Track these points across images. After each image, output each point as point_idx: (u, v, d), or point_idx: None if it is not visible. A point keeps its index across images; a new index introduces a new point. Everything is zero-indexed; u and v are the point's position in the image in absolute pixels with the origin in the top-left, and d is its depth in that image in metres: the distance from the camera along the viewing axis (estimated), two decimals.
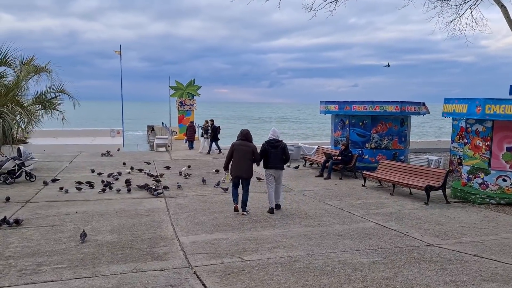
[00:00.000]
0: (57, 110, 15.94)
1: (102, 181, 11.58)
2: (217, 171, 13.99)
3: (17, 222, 7.52)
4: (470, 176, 10.68)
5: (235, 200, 8.92)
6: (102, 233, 7.21)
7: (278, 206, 9.05)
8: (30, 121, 13.84)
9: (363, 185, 12.15)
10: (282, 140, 9.01)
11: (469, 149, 10.75)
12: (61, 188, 10.69)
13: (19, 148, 12.21)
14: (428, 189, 10.02)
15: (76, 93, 16.47)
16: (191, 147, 20.94)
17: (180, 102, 26.33)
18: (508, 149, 10.05)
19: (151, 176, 12.94)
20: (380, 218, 8.53)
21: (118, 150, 20.83)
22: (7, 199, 9.50)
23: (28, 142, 14.70)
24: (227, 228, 7.61)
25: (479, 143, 10.47)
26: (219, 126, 19.98)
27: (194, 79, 26.83)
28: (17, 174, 11.75)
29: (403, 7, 17.90)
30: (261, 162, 8.97)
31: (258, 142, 10.21)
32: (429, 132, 61.67)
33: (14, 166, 11.73)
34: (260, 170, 9.85)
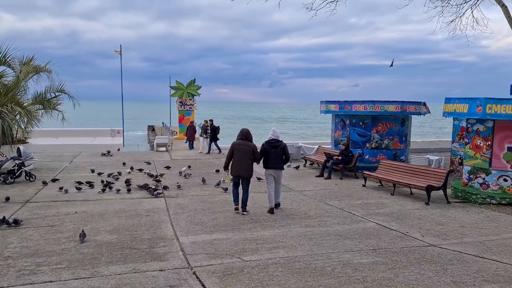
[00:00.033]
0: (57, 110, 15.92)
1: (102, 181, 11.56)
2: (217, 171, 13.97)
3: (16, 222, 7.50)
4: (471, 176, 10.64)
5: (236, 201, 8.93)
6: (102, 233, 7.19)
7: (277, 205, 9.05)
8: (30, 121, 13.82)
9: (364, 185, 12.12)
10: (282, 140, 8.99)
11: (470, 149, 10.72)
12: (61, 188, 10.66)
13: (18, 148, 12.19)
14: (429, 189, 9.99)
15: (76, 93, 16.46)
16: (191, 147, 20.93)
17: (180, 102, 26.31)
18: (509, 149, 10.02)
19: (151, 176, 12.92)
20: (381, 218, 8.50)
21: (118, 150, 20.82)
22: (7, 199, 9.47)
23: (28, 142, 14.67)
24: (227, 228, 7.58)
25: (480, 143, 10.44)
26: (219, 126, 19.95)
27: (195, 79, 26.82)
28: (16, 174, 11.73)
29: (404, 6, 17.88)
30: (261, 162, 8.96)
31: (258, 142, 10.18)
32: (430, 132, 61.63)
33: (14, 166, 11.71)
34: (260, 170, 9.83)
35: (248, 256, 6.11)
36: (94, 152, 19.17)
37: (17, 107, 12.95)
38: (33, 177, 11.96)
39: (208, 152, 19.11)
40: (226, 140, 26.15)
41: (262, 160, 8.89)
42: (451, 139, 15.47)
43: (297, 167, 15.35)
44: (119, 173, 12.95)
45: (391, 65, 22.34)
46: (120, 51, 25.75)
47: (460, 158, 13.99)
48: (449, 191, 10.75)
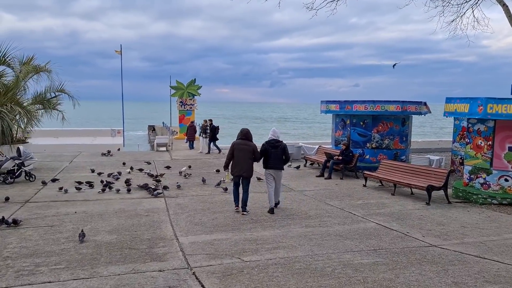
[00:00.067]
0: (57, 109, 15.90)
1: (102, 181, 11.53)
2: (217, 171, 13.94)
3: (15, 222, 7.47)
4: (472, 176, 10.61)
5: (236, 201, 8.94)
6: (101, 233, 7.16)
7: (277, 204, 9.06)
8: (29, 120, 13.80)
9: (364, 185, 12.09)
10: (282, 141, 8.99)
11: (470, 149, 10.68)
12: (61, 188, 10.64)
13: (18, 148, 12.17)
14: (430, 189, 9.95)
15: (77, 93, 16.45)
16: (191, 147, 20.90)
17: (180, 102, 26.29)
18: (510, 148, 9.98)
19: (151, 176, 12.89)
20: (381, 219, 8.47)
21: (119, 150, 20.80)
22: (7, 199, 9.45)
23: (28, 142, 14.65)
24: (227, 229, 7.56)
25: (481, 142, 10.40)
26: (218, 126, 19.91)
27: (195, 79, 26.82)
28: (16, 174, 11.71)
29: (404, 6, 17.87)
30: (261, 162, 8.96)
31: (259, 142, 10.16)
32: (430, 132, 61.57)
33: (14, 166, 11.69)
34: (260, 170, 9.81)
35: (248, 257, 6.08)
36: (94, 152, 19.15)
37: (16, 107, 12.92)
38: (33, 177, 11.94)
39: (208, 152, 19.08)
40: (227, 140, 26.11)
41: (262, 160, 8.88)
42: (451, 139, 15.43)
43: (297, 167, 15.32)
44: (119, 173, 12.93)
45: (394, 66, 22.33)
46: (121, 51, 25.73)
47: (461, 158, 13.95)
48: (450, 191, 10.72)
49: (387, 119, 14.37)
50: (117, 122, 45.22)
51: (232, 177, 8.97)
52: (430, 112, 15.46)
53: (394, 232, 7.56)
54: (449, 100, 10.89)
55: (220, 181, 11.65)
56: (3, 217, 7.53)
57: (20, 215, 8.18)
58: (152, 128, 40.58)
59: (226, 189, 10.87)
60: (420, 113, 14.70)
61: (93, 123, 63.50)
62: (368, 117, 14.31)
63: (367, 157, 14.45)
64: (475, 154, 10.55)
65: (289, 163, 15.53)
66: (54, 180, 11.79)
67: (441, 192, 10.28)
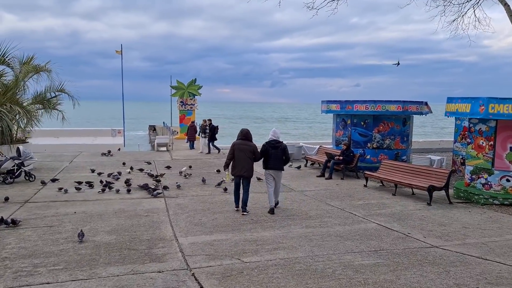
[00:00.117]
0: (57, 109, 15.87)
1: (101, 181, 11.49)
2: (218, 171, 13.90)
3: (14, 222, 7.44)
4: (473, 176, 10.55)
5: (237, 202, 8.95)
6: (100, 233, 7.12)
7: (276, 204, 9.03)
8: (29, 120, 13.76)
9: (365, 185, 12.04)
10: (282, 141, 8.98)
11: (472, 149, 10.63)
12: (60, 189, 10.60)
13: (18, 148, 12.14)
14: (431, 189, 9.90)
15: (77, 93, 16.42)
16: (192, 147, 20.86)
17: (181, 102, 26.26)
18: None
19: (151, 176, 12.86)
20: (382, 219, 8.42)
21: (119, 150, 20.76)
22: (6, 199, 9.42)
23: (27, 142, 14.62)
24: (227, 229, 7.51)
25: (483, 143, 10.35)
26: (217, 126, 19.86)
27: (195, 79, 26.78)
28: (16, 174, 11.68)
29: (405, 6, 17.80)
30: (261, 162, 8.94)
31: (260, 142, 10.12)
32: (431, 132, 61.48)
33: (13, 166, 11.66)
34: (260, 170, 9.77)
35: (248, 258, 6.04)
36: (95, 152, 19.12)
37: (16, 107, 12.88)
38: (33, 177, 11.91)
39: (209, 152, 19.04)
40: (227, 140, 26.05)
41: (262, 160, 8.87)
42: (453, 139, 15.37)
43: (298, 167, 15.28)
44: (119, 173, 12.90)
45: (397, 64, 22.32)
46: (121, 51, 25.71)
47: (462, 158, 13.89)
48: (451, 191, 10.66)
49: (388, 119, 14.32)
50: (117, 122, 45.19)
51: (232, 177, 8.96)
52: (431, 112, 15.41)
53: (395, 232, 7.51)
54: (450, 100, 10.84)
55: (221, 181, 11.61)
56: (2, 217, 7.50)
57: (19, 215, 8.15)
58: (152, 128, 40.56)
59: (226, 189, 10.83)
60: (421, 113, 14.64)
61: (93, 123, 63.49)
62: (369, 117, 14.26)
63: (368, 157, 14.40)
64: (476, 154, 10.50)
65: (290, 163, 15.50)
66: (54, 180, 11.75)
67: (442, 192, 10.23)
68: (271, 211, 8.68)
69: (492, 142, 10.14)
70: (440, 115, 16.83)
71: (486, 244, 6.94)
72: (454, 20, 17.38)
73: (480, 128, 10.41)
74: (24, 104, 14.42)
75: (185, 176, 13.04)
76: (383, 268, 5.70)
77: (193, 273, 5.44)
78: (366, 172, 12.32)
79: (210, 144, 19.26)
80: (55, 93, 15.89)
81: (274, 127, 10.49)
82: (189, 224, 7.81)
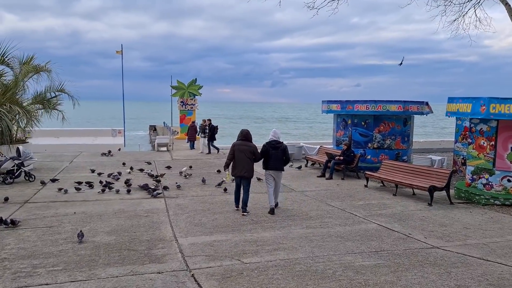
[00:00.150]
0: (57, 109, 15.84)
1: (100, 182, 11.46)
2: (218, 171, 13.87)
3: (14, 223, 7.41)
4: (474, 176, 10.52)
5: (237, 202, 8.95)
6: (100, 234, 7.10)
7: (276, 205, 9.00)
8: (29, 120, 13.74)
9: (366, 186, 12.01)
10: (283, 142, 8.97)
11: (473, 149, 10.59)
12: (60, 189, 10.58)
13: (18, 148, 12.12)
14: (432, 189, 9.87)
15: (78, 93, 16.40)
16: (192, 147, 20.83)
17: (181, 102, 26.24)
18: None
19: (152, 176, 12.83)
20: (383, 219, 8.39)
21: (119, 150, 20.74)
22: (6, 199, 9.40)
23: (27, 142, 14.60)
24: (227, 230, 7.49)
25: (484, 143, 10.31)
26: (217, 126, 19.83)
27: (196, 79, 26.76)
28: (16, 174, 11.66)
29: (406, 5, 17.75)
30: (261, 163, 8.93)
31: (260, 142, 10.08)
32: (432, 132, 61.41)
33: (13, 166, 11.64)
34: (261, 171, 9.74)
35: (248, 258, 6.01)
36: (95, 152, 19.09)
37: (15, 107, 12.86)
38: (33, 177, 11.89)
39: (209, 152, 19.01)
40: (228, 140, 26.01)
41: (262, 160, 8.85)
42: (453, 139, 15.33)
43: (299, 167, 15.25)
44: (119, 173, 12.87)
45: (401, 64, 22.24)
46: (121, 51, 25.68)
47: (463, 158, 13.86)
48: (452, 191, 10.63)
49: (388, 119, 14.28)
50: (118, 122, 45.20)
51: (233, 177, 8.95)
52: (432, 112, 15.37)
53: (396, 233, 7.48)
54: (451, 100, 10.80)
55: (221, 181, 11.58)
56: (1, 218, 7.47)
57: (19, 216, 8.12)
58: (153, 128, 40.55)
59: (226, 190, 10.81)
60: (422, 113, 14.60)
61: (94, 123, 63.49)
62: (369, 117, 14.23)
63: (369, 157, 14.36)
64: (477, 155, 10.46)
65: (291, 163, 15.48)
66: (53, 181, 11.73)
67: (443, 192, 10.20)
68: (271, 211, 8.65)
69: (493, 142, 10.10)
70: (441, 115, 16.79)
71: (487, 245, 6.90)
72: (455, 20, 17.36)
73: (481, 128, 10.38)
74: (24, 104, 14.40)
75: (185, 176, 13.01)
76: (383, 269, 5.66)
77: (192, 274, 5.41)
78: (367, 172, 12.29)
79: (210, 144, 19.24)
80: (55, 93, 15.87)
81: (274, 127, 10.47)
82: (189, 224, 7.79)
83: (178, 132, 26.35)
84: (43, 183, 11.46)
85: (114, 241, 6.71)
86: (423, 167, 11.76)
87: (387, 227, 7.87)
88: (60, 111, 15.97)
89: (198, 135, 20.68)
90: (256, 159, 8.69)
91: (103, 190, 10.64)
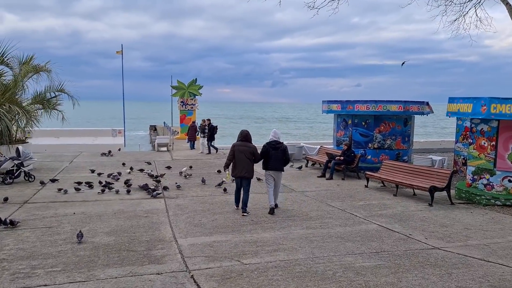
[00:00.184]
0: (57, 110, 15.82)
1: (100, 182, 11.44)
2: (218, 171, 13.84)
3: (13, 223, 7.39)
4: (475, 176, 10.48)
5: (237, 202, 8.97)
6: (99, 235, 7.07)
7: (275, 205, 8.97)
8: (28, 121, 13.72)
9: (366, 186, 11.98)
10: (283, 142, 8.97)
11: (474, 149, 10.56)
12: (60, 189, 10.55)
13: (17, 148, 12.10)
14: (432, 190, 9.84)
15: (78, 93, 16.38)
16: (192, 147, 20.81)
17: (181, 102, 26.21)
18: None
19: (152, 176, 12.80)
20: (383, 220, 8.36)
21: (119, 150, 20.72)
22: (5, 199, 9.38)
23: (27, 142, 14.58)
24: (227, 230, 7.46)
25: (484, 143, 10.27)
26: (216, 126, 19.80)
27: (196, 79, 26.74)
28: (15, 174, 11.64)
29: (407, 5, 17.71)
30: (261, 163, 8.92)
31: (260, 142, 10.04)
32: (433, 132, 61.35)
33: (13, 166, 11.62)
34: (261, 171, 9.72)
35: (247, 259, 5.98)
36: (95, 152, 19.07)
37: (15, 107, 12.83)
38: (32, 177, 11.87)
39: (209, 152, 18.99)
40: (228, 140, 25.97)
41: (262, 161, 8.84)
42: (454, 139, 15.30)
43: (299, 167, 15.22)
44: (119, 174, 12.85)
45: (403, 64, 22.23)
46: (121, 51, 25.65)
47: (463, 158, 13.83)
48: (452, 192, 10.58)
49: (389, 119, 14.25)
50: (118, 122, 45.19)
51: (233, 178, 8.95)
52: (433, 112, 15.34)
53: (396, 234, 7.45)
54: (452, 100, 10.77)
55: (221, 181, 11.56)
56: (0, 218, 7.44)
57: (18, 216, 8.10)
58: (153, 128, 40.55)
59: (225, 190, 10.78)
60: (422, 113, 14.57)
61: (94, 123, 63.48)
62: (370, 117, 14.20)
63: (369, 157, 14.33)
64: (478, 155, 10.43)
65: (291, 164, 15.47)
66: (53, 181, 11.70)
67: (444, 193, 10.16)
68: (271, 211, 8.64)
69: (494, 143, 10.06)
70: (441, 115, 16.76)
71: (488, 246, 6.87)
72: (455, 20, 17.32)
73: (482, 128, 10.34)
74: (24, 104, 14.38)
75: (185, 176, 12.98)
76: (384, 270, 5.63)
77: (192, 275, 5.38)
78: (367, 172, 12.25)
79: (209, 144, 19.21)
80: (54, 93, 15.84)
81: (274, 127, 10.45)
82: (188, 225, 7.76)
83: (178, 132, 26.33)
84: (42, 183, 11.45)
85: (114, 242, 6.68)
86: (424, 167, 11.73)
87: (387, 227, 7.83)
88: (60, 111, 15.94)
89: (197, 135, 20.65)
90: (255, 159, 8.69)
91: (102, 191, 10.62)
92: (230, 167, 8.83)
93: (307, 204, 9.70)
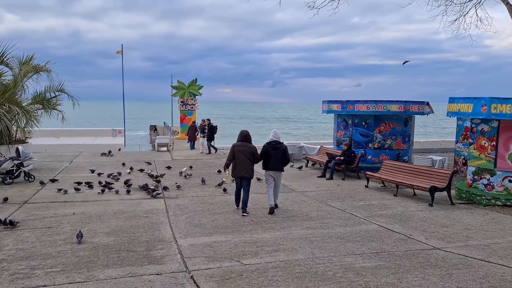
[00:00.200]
0: (57, 110, 15.81)
1: (100, 182, 11.42)
2: (219, 171, 13.83)
3: (12, 223, 7.37)
4: (476, 177, 10.46)
5: (237, 202, 8.98)
6: (99, 235, 7.06)
7: (275, 206, 8.96)
8: (28, 121, 13.70)
9: (366, 186, 11.96)
10: (283, 142, 8.97)
11: (474, 149, 10.54)
12: (60, 189, 10.54)
13: (17, 148, 12.09)
14: (433, 190, 9.82)
15: (78, 93, 16.37)
16: (192, 147, 20.80)
17: (182, 102, 26.20)
18: None
19: (152, 176, 12.79)
20: (384, 220, 8.34)
21: (119, 150, 20.71)
22: (5, 199, 9.37)
23: (27, 142, 14.57)
24: (227, 230, 7.44)
25: (485, 143, 10.26)
26: (216, 126, 19.79)
27: (196, 79, 26.73)
28: (15, 175, 11.63)
29: (407, 5, 17.69)
30: (261, 163, 8.92)
31: (261, 142, 10.02)
32: (433, 132, 61.32)
33: (13, 166, 11.61)
34: (261, 171, 9.71)
35: (247, 260, 5.97)
36: (95, 152, 19.06)
37: (15, 107, 12.82)
38: (32, 177, 11.86)
39: (209, 152, 18.98)
40: (228, 140, 25.95)
41: (262, 161, 8.84)
42: (454, 139, 15.28)
43: (300, 167, 15.21)
44: (119, 174, 12.84)
45: (404, 63, 22.22)
46: (121, 51, 25.64)
47: (464, 158, 13.80)
48: (453, 192, 10.56)
49: (389, 119, 14.23)
50: (118, 122, 45.17)
51: (232, 178, 8.95)
52: (433, 112, 15.32)
53: (397, 234, 7.43)
54: (452, 100, 10.75)
55: (221, 182, 11.55)
56: None
57: (18, 216, 8.09)
58: (153, 128, 40.54)
59: (225, 190, 10.77)
60: (422, 113, 14.55)
61: (94, 123, 63.45)
62: (370, 117, 14.18)
63: (369, 157, 14.31)
64: (478, 155, 10.41)
65: (292, 163, 15.46)
66: (53, 181, 11.69)
67: (444, 193, 10.14)
68: (271, 211, 8.63)
69: (494, 143, 10.05)
70: (441, 115, 16.74)
71: (488, 246, 6.85)
72: (455, 20, 17.29)
73: (482, 129, 10.33)
74: (24, 104, 14.36)
75: (185, 176, 12.97)
76: (384, 271, 5.62)
77: (191, 276, 5.37)
78: (367, 172, 12.24)
79: (209, 144, 19.20)
80: (54, 93, 15.83)
81: (275, 127, 10.45)
82: (188, 225, 7.74)
83: (178, 132, 26.32)
84: (42, 183, 11.43)
85: (113, 242, 6.67)
86: (424, 167, 11.72)
87: (388, 228, 7.82)
88: (60, 111, 15.93)
89: (197, 135, 20.64)
90: (255, 160, 8.69)
91: (102, 191, 10.60)
92: (230, 167, 8.83)
93: (307, 204, 9.68)
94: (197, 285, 5.09)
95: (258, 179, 11.88)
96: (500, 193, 9.98)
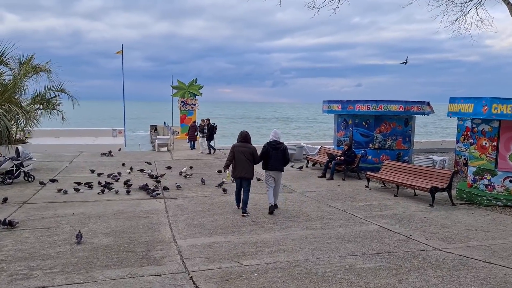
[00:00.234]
0: (57, 110, 15.79)
1: (99, 182, 11.40)
2: (219, 171, 13.81)
3: (11, 224, 7.35)
4: (476, 177, 10.44)
5: (238, 201, 8.97)
6: (99, 235, 7.04)
7: (275, 206, 8.94)
8: (28, 121, 13.68)
9: (367, 186, 11.93)
10: (283, 143, 8.95)
11: (475, 149, 10.51)
12: (60, 190, 10.52)
13: (17, 148, 12.07)
14: (433, 190, 9.79)
15: (78, 93, 16.36)
16: (192, 147, 20.78)
17: (182, 102, 26.18)
18: None
19: (152, 176, 12.77)
20: (384, 221, 8.31)
21: (119, 150, 20.69)
22: (5, 200, 9.35)
23: (27, 142, 14.55)
24: (227, 231, 7.42)
25: (486, 143, 10.23)
26: (216, 126, 19.77)
27: (196, 79, 26.71)
28: (15, 175, 11.61)
29: (407, 5, 17.67)
30: (261, 163, 8.90)
31: (261, 142, 9.98)
32: (433, 132, 61.26)
33: (12, 166, 11.59)
34: (261, 171, 9.69)
35: (247, 260, 5.94)
36: (95, 152, 19.04)
37: (14, 107, 12.80)
38: (32, 177, 11.84)
39: (209, 152, 18.96)
40: (228, 140, 25.92)
41: (262, 161, 8.82)
42: (455, 139, 15.25)
43: (300, 168, 15.18)
44: (119, 174, 12.82)
45: (405, 63, 22.17)
46: (122, 51, 25.62)
47: (464, 158, 13.77)
48: (453, 192, 10.54)
49: (389, 119, 14.21)
50: (118, 122, 45.14)
51: (232, 179, 8.93)
52: (433, 112, 15.28)
53: (397, 235, 7.40)
54: (453, 100, 10.72)
55: (221, 182, 11.53)
56: None
57: (17, 217, 8.07)
58: (154, 128, 40.53)
59: (225, 190, 10.75)
60: (423, 113, 14.52)
61: (94, 123, 63.45)
62: (370, 117, 14.15)
63: (370, 157, 14.28)
64: (479, 155, 10.38)
65: (292, 163, 15.44)
66: (53, 181, 11.67)
67: (445, 193, 10.11)
68: (271, 210, 8.61)
69: (495, 143, 10.02)
70: (442, 115, 16.72)
71: (489, 247, 6.82)
72: (456, 20, 17.26)
73: (483, 129, 10.30)
74: (23, 104, 14.34)
75: (185, 176, 12.95)
76: (385, 272, 5.59)
77: (191, 277, 5.35)
78: (368, 172, 12.21)
79: (209, 143, 19.19)
80: (54, 93, 15.81)
81: (275, 127, 10.44)
82: (188, 225, 7.72)
83: (178, 132, 26.30)
84: (42, 183, 11.42)
85: (113, 243, 6.65)
86: (425, 167, 11.69)
87: (388, 228, 7.79)
88: (60, 111, 15.91)
89: (197, 135, 20.62)
90: (255, 160, 8.67)
91: (102, 191, 10.58)
92: (230, 167, 8.81)
93: (308, 204, 9.66)
94: (196, 286, 5.06)
95: (258, 180, 11.86)
96: (501, 194, 9.95)
